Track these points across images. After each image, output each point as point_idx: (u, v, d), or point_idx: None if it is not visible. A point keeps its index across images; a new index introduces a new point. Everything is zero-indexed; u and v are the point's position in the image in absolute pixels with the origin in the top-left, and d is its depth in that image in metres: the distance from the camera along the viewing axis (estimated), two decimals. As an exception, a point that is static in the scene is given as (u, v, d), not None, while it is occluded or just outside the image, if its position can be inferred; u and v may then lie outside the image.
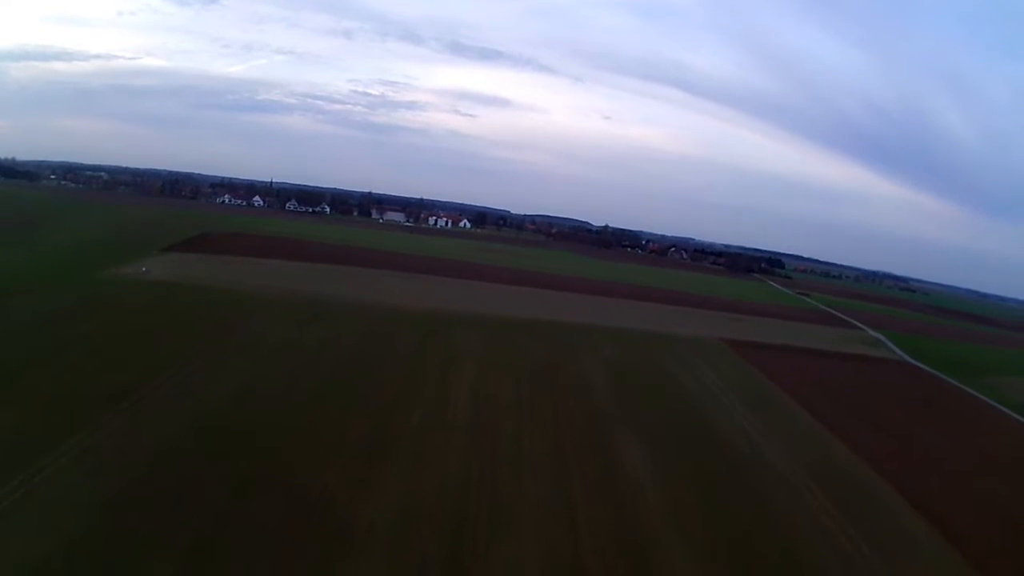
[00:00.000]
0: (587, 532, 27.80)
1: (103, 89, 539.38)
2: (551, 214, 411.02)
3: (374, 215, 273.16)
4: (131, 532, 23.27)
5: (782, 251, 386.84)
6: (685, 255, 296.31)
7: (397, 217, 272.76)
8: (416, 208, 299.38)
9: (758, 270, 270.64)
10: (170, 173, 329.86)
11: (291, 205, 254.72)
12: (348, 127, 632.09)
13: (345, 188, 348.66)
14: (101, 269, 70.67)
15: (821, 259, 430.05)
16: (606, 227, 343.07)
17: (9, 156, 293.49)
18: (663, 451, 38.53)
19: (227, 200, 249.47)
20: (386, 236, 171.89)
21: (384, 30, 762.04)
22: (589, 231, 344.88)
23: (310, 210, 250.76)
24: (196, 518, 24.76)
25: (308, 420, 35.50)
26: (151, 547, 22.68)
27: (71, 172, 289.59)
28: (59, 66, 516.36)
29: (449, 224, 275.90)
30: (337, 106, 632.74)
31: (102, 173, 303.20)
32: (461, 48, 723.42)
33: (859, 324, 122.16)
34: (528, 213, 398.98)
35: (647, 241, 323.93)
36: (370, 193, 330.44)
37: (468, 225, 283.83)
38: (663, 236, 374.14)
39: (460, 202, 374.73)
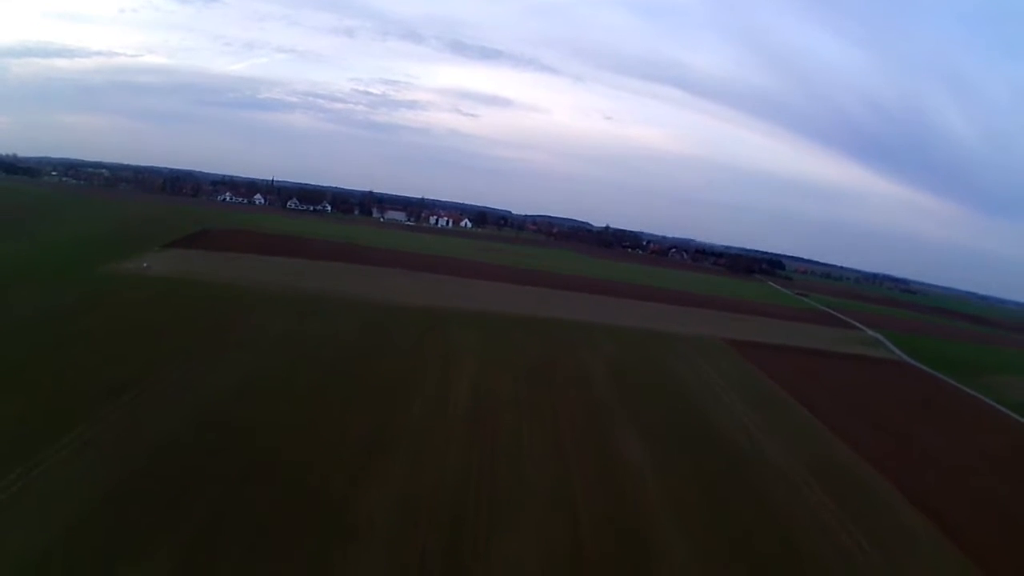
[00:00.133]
0: (587, 526, 27.84)
1: (104, 86, 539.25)
2: (552, 214, 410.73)
3: (375, 214, 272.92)
4: (131, 525, 23.29)
5: (783, 252, 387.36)
6: (686, 256, 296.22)
7: (398, 216, 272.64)
8: (417, 207, 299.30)
9: (759, 271, 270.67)
10: (171, 170, 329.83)
11: (292, 203, 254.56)
12: (349, 126, 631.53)
13: (346, 187, 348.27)
14: (102, 265, 70.75)
15: (821, 261, 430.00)
16: (607, 228, 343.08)
17: (10, 152, 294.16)
18: (664, 447, 38.60)
19: (228, 198, 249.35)
20: (387, 235, 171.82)
21: (385, 29, 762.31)
22: (590, 231, 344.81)
23: (311, 208, 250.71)
24: (196, 511, 24.80)
25: (307, 414, 35.55)
26: (151, 540, 22.71)
27: (72, 169, 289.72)
28: (61, 63, 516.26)
29: (450, 223, 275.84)
30: (338, 105, 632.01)
31: (103, 170, 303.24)
32: (462, 47, 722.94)
33: (858, 324, 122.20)
34: (529, 213, 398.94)
35: (648, 242, 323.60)
36: (371, 192, 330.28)
37: (469, 224, 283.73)
38: (664, 237, 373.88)
39: (461, 202, 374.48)
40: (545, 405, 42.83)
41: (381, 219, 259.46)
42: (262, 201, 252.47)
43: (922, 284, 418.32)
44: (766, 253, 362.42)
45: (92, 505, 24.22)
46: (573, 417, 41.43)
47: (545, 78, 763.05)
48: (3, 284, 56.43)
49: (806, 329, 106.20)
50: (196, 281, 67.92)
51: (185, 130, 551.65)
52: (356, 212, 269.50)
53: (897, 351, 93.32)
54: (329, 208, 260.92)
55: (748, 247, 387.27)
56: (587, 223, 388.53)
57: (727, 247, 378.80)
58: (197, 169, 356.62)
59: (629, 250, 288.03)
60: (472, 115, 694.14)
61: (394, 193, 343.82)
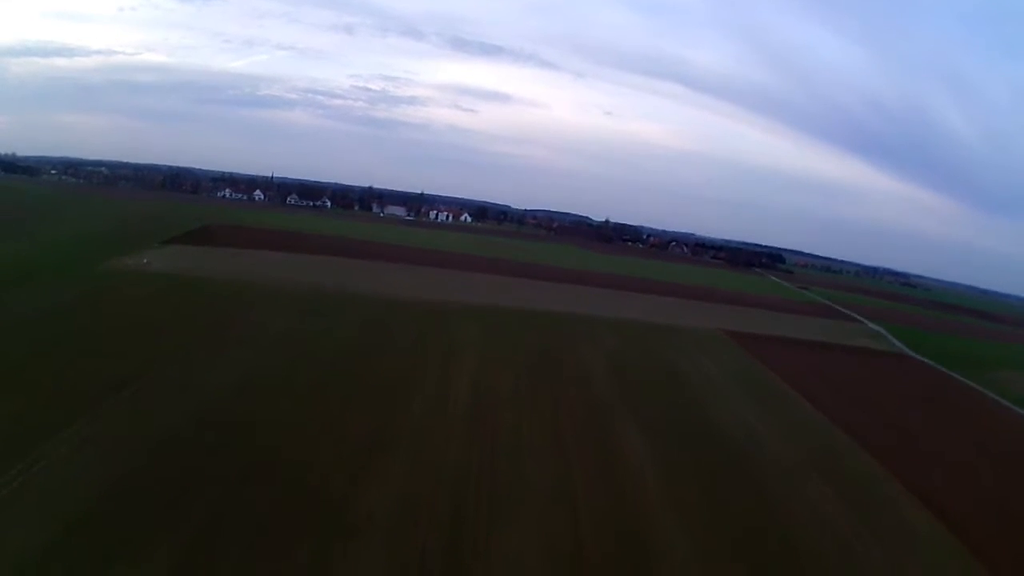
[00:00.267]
0: (587, 523, 27.78)
1: (104, 85, 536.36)
2: (552, 209, 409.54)
3: (375, 209, 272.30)
4: (130, 521, 23.25)
5: (783, 246, 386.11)
6: (686, 249, 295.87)
7: (398, 211, 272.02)
8: (417, 202, 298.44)
9: (759, 264, 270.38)
10: (171, 168, 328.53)
11: (292, 199, 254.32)
12: (349, 122, 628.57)
13: (346, 182, 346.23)
14: (102, 261, 70.59)
15: (821, 254, 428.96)
16: (607, 221, 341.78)
17: (10, 151, 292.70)
18: (664, 440, 38.52)
19: (228, 194, 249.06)
20: (387, 230, 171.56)
21: (385, 25, 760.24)
22: (590, 225, 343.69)
23: (311, 204, 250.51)
24: (195, 509, 24.74)
25: (307, 412, 35.47)
26: (150, 536, 22.64)
27: (72, 167, 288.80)
28: (60, 62, 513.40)
29: (450, 218, 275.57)
30: (338, 101, 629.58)
31: (103, 168, 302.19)
32: (462, 43, 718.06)
33: (859, 317, 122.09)
34: (529, 208, 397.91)
35: (648, 235, 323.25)
36: (371, 187, 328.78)
37: (469, 219, 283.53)
38: (664, 231, 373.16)
39: (461, 197, 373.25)
40: (545, 400, 42.73)
41: (381, 214, 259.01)
42: (262, 197, 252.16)
43: (923, 278, 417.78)
44: (766, 247, 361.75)
45: (91, 503, 24.15)
46: (574, 412, 41.33)
47: (545, 74, 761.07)
48: (3, 282, 56.28)
49: (807, 322, 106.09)
50: (196, 277, 67.80)
51: (185, 128, 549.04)
52: (356, 208, 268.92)
53: (899, 344, 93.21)
54: (329, 204, 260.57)
55: (748, 241, 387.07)
56: (587, 217, 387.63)
57: (727, 241, 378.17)
58: (197, 166, 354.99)
59: (629, 244, 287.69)
60: (472, 111, 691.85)
61: (394, 188, 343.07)
